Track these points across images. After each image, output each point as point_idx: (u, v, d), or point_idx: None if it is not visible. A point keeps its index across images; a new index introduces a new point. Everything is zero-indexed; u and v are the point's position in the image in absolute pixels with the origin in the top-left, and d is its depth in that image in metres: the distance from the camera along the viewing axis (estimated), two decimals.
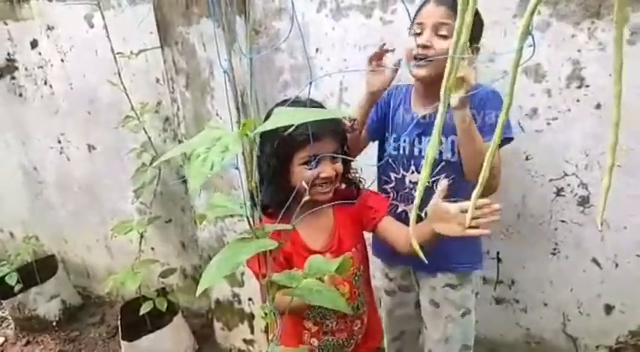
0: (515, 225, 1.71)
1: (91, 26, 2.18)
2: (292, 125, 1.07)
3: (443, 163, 1.33)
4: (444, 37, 1.20)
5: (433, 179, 1.33)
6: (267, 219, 1.21)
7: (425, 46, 1.21)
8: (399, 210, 1.44)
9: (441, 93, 0.67)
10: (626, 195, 1.50)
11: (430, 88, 1.29)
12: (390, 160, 1.43)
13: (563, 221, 1.64)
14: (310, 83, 0.75)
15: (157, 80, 2.09)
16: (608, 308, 1.70)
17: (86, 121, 2.43)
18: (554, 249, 1.70)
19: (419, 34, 1.24)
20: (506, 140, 1.28)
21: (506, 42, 1.48)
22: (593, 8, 1.38)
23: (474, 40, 1.24)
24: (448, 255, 1.39)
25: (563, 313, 1.77)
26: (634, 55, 1.36)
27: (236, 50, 1.74)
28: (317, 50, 1.75)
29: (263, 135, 1.21)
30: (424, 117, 1.33)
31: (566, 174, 1.58)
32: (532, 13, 0.60)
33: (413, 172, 1.39)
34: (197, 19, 1.70)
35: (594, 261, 1.66)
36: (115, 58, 1.94)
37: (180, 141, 1.95)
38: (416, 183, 1.38)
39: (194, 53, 1.76)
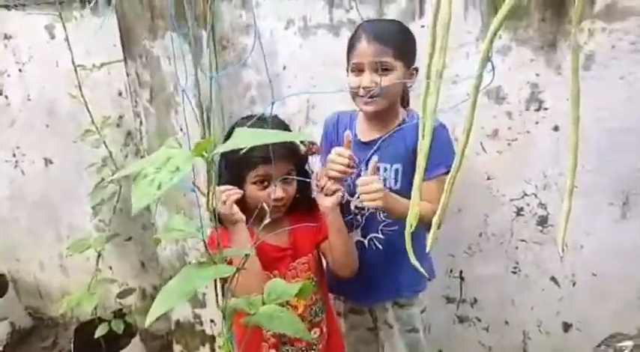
0: (477, 244, 1.74)
1: (52, 37, 2.12)
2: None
3: (386, 190, 1.34)
4: (386, 71, 1.22)
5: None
6: (224, 231, 1.20)
7: (369, 87, 1.23)
8: (355, 239, 1.44)
9: (422, 116, 0.68)
10: (583, 215, 1.55)
11: (379, 115, 1.31)
12: None
13: (523, 240, 1.68)
14: (273, 103, 0.74)
15: (120, 93, 2.04)
16: (566, 327, 1.73)
17: (43, 134, 2.34)
18: (515, 268, 1.73)
19: (358, 72, 1.26)
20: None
21: (470, 65, 1.52)
22: (550, 34, 1.43)
23: (412, 62, 1.28)
24: (395, 286, 1.44)
25: (524, 331, 1.80)
26: (590, 80, 1.42)
27: (202, 65, 1.72)
28: (284, 67, 1.75)
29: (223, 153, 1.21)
30: (368, 142, 1.35)
31: (525, 194, 1.62)
32: (491, 41, 0.61)
33: (358, 197, 1.39)
34: (162, 32, 1.67)
35: (553, 279, 1.69)
36: (75, 69, 1.88)
37: (142, 157, 1.90)
38: (361, 209, 1.39)
39: (159, 67, 1.72)
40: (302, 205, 1.30)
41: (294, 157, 1.19)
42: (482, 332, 1.85)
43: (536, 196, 1.60)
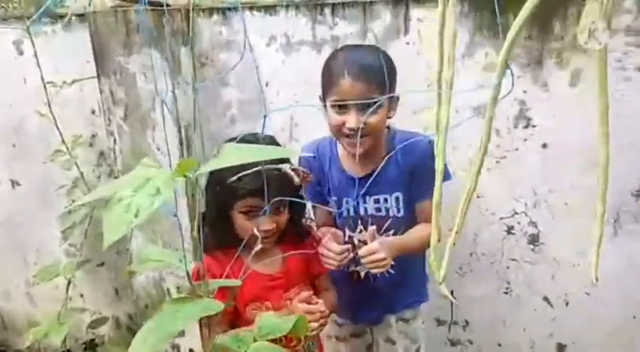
0: (468, 264, 1.69)
1: (20, 53, 2.02)
2: (237, 172, 1.02)
3: (390, 219, 1.30)
4: (372, 110, 1.11)
5: (382, 233, 1.29)
6: (207, 258, 1.13)
7: (357, 129, 1.12)
8: (350, 269, 1.37)
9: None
10: (576, 233, 1.52)
11: (367, 152, 1.21)
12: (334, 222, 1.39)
13: (514, 259, 1.64)
14: (265, 117, 0.68)
15: (92, 111, 1.95)
16: (560, 347, 1.69)
17: (10, 154, 2.21)
18: (507, 288, 1.68)
19: (341, 108, 1.16)
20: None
21: (457, 82, 1.48)
22: (536, 51, 1.42)
23: (394, 91, 1.18)
24: (396, 301, 1.40)
25: None
26: (576, 97, 1.40)
27: (180, 82, 1.65)
28: (267, 84, 1.69)
29: (210, 174, 1.14)
30: (360, 178, 1.26)
31: (515, 213, 1.58)
32: (509, 50, 0.57)
33: (361, 231, 1.33)
34: (138, 48, 1.60)
35: (545, 299, 1.65)
36: (45, 86, 1.78)
37: (116, 178, 1.80)
38: (364, 242, 1.32)
39: (134, 83, 1.64)
40: (294, 233, 1.23)
41: (286, 188, 1.08)
42: None
43: (526, 214, 1.57)
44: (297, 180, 1.10)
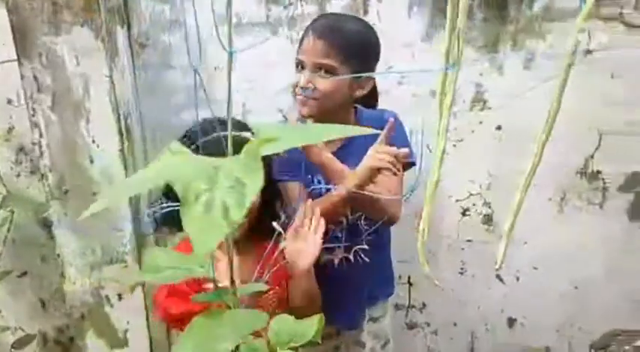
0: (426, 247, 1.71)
1: None
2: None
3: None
4: (327, 73, 1.12)
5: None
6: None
7: (306, 88, 1.13)
8: (324, 259, 1.31)
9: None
10: (525, 211, 1.58)
11: (319, 122, 1.17)
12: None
13: (469, 240, 1.68)
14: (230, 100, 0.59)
15: (9, 101, 1.70)
16: (511, 322, 1.77)
17: None
18: (462, 269, 1.73)
19: (300, 69, 1.16)
20: (409, 165, 1.24)
21: (416, 64, 1.49)
22: (493, 34, 1.45)
23: (365, 68, 1.18)
24: (373, 291, 1.39)
25: (471, 331, 1.80)
26: (531, 80, 1.46)
27: (118, 65, 1.49)
28: (215, 68, 1.57)
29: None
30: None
31: (471, 194, 1.62)
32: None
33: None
34: (68, 27, 1.41)
35: (498, 277, 1.72)
36: None
37: (43, 176, 1.58)
38: (339, 222, 1.27)
39: (63, 68, 1.45)
40: (267, 226, 1.09)
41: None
42: (432, 336, 1.83)
43: (481, 196, 1.62)
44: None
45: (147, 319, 1.71)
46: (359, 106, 1.28)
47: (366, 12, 1.47)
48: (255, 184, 0.32)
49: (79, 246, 1.62)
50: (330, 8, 1.48)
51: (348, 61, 1.12)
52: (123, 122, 1.52)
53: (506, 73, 1.47)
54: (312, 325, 0.59)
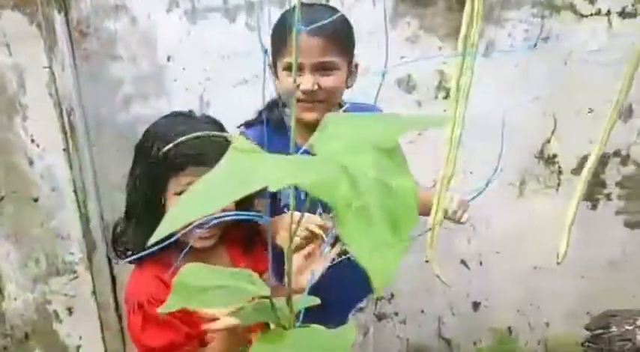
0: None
1: None
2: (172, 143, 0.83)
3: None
4: (329, 71, 1.03)
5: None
6: (138, 271, 0.90)
7: (312, 92, 1.02)
8: None
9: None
10: (487, 196, 1.62)
11: (313, 128, 1.12)
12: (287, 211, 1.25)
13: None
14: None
15: None
16: (475, 305, 1.81)
17: None
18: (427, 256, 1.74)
19: (297, 74, 1.03)
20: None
21: (381, 53, 1.45)
22: (456, 22, 1.45)
23: (352, 57, 1.11)
24: (360, 286, 1.33)
25: (439, 317, 1.83)
26: (490, 66, 1.48)
27: (57, 55, 1.33)
28: (169, 58, 1.46)
29: (137, 153, 0.90)
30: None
31: (436, 183, 1.63)
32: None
33: (321, 214, 1.23)
34: None
35: (463, 262, 1.75)
36: None
37: None
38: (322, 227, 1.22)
39: None
40: (244, 229, 1.00)
41: None
42: (400, 325, 1.83)
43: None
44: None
45: (102, 331, 1.58)
46: (345, 101, 1.22)
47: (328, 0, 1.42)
48: (408, 184, 0.26)
49: (19, 257, 1.45)
50: None
51: (344, 53, 1.05)
52: (66, 118, 1.37)
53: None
54: (345, 337, 0.52)
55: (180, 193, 0.85)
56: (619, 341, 1.06)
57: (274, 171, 0.26)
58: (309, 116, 1.04)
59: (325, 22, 0.72)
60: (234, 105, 1.51)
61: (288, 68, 1.03)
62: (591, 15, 1.48)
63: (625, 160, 1.65)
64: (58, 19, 1.34)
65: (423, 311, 1.82)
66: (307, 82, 1.01)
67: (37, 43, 1.27)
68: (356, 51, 1.44)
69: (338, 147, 0.29)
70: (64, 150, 1.37)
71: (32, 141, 1.35)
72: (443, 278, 0.81)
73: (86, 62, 1.44)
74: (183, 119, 0.92)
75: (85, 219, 1.44)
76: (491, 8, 1.44)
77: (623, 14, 1.49)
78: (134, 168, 0.91)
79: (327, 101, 1.05)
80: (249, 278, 0.41)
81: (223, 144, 0.87)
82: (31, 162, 1.36)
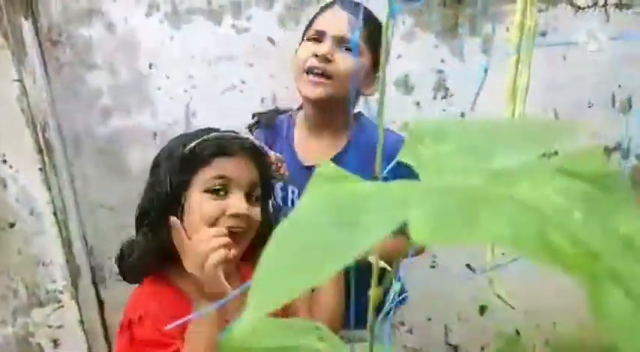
0: None
1: None
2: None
3: None
4: (349, 52, 0.97)
5: None
6: (139, 286, 0.80)
7: (326, 59, 0.96)
8: None
9: None
10: None
11: (322, 116, 1.04)
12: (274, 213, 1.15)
13: None
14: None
15: None
16: (482, 309, 1.76)
17: None
18: (433, 262, 1.67)
19: (316, 41, 0.98)
20: None
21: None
22: (452, 19, 1.39)
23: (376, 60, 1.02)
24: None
25: (445, 325, 1.76)
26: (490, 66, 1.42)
27: (27, 67, 1.22)
28: (150, 65, 1.36)
29: (160, 160, 0.82)
30: (311, 167, 1.06)
31: None
32: None
33: None
34: None
35: (468, 266, 1.69)
36: None
37: None
38: None
39: None
40: (259, 250, 0.87)
41: (261, 164, 0.82)
42: (407, 334, 1.76)
43: None
44: (272, 157, 0.85)
45: None
46: (362, 111, 1.13)
47: None
48: None
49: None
50: None
51: (371, 45, 0.98)
52: (40, 135, 1.26)
53: (467, 58, 1.42)
54: None
55: (207, 190, 0.77)
56: None
57: (433, 217, 0.17)
58: (315, 92, 0.97)
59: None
60: (222, 113, 1.43)
61: (312, 38, 0.99)
62: (588, 7, 1.44)
63: (625, 154, 1.61)
64: (26, 26, 1.23)
65: (429, 319, 1.75)
66: (324, 47, 0.95)
67: (3, 54, 1.15)
68: None
69: (490, 170, 0.21)
70: (40, 169, 1.26)
71: (4, 161, 1.23)
72: (506, 299, 0.73)
73: (59, 73, 1.33)
74: (206, 129, 0.84)
75: (67, 243, 1.32)
76: (487, 2, 1.39)
77: (619, 5, 1.45)
78: (153, 174, 0.81)
79: (336, 81, 0.96)
80: (318, 332, 0.32)
81: (251, 144, 0.80)
82: (4, 185, 1.25)
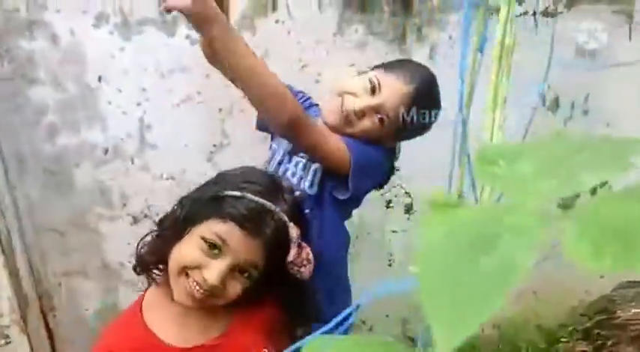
0: (354, 246, 1.67)
1: None
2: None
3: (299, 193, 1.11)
4: (378, 115, 1.00)
5: None
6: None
7: (357, 111, 0.98)
8: None
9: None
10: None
11: None
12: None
13: (394, 231, 1.70)
14: None
15: None
16: None
17: None
18: (390, 260, 1.74)
19: (371, 91, 0.99)
20: None
21: (330, 60, 1.42)
22: (400, 27, 1.46)
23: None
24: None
25: (403, 319, 1.84)
26: (434, 70, 1.51)
27: None
28: (100, 78, 1.30)
29: (209, 182, 0.83)
30: None
31: (393, 186, 1.63)
32: None
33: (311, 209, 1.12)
34: None
35: None
36: None
37: None
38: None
39: None
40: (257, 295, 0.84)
41: (273, 251, 0.77)
42: (367, 333, 1.82)
43: (401, 186, 1.64)
44: (294, 237, 0.78)
45: None
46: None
47: (275, 8, 1.35)
48: (536, 237, 0.21)
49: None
50: (234, 6, 1.32)
51: (411, 107, 1.01)
52: None
53: None
54: None
55: (205, 240, 0.75)
56: (633, 325, 1.10)
57: None
58: (348, 129, 1.00)
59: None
60: (177, 126, 1.40)
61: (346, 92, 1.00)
62: (520, 15, 1.57)
63: None
64: None
65: (387, 316, 1.82)
66: (380, 99, 0.98)
67: None
68: (305, 57, 1.40)
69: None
70: None
71: None
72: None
73: None
74: (261, 174, 0.83)
75: (14, 274, 1.23)
76: (432, 11, 1.47)
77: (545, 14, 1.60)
78: (196, 190, 0.83)
79: (363, 119, 0.99)
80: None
81: (272, 226, 0.76)
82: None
